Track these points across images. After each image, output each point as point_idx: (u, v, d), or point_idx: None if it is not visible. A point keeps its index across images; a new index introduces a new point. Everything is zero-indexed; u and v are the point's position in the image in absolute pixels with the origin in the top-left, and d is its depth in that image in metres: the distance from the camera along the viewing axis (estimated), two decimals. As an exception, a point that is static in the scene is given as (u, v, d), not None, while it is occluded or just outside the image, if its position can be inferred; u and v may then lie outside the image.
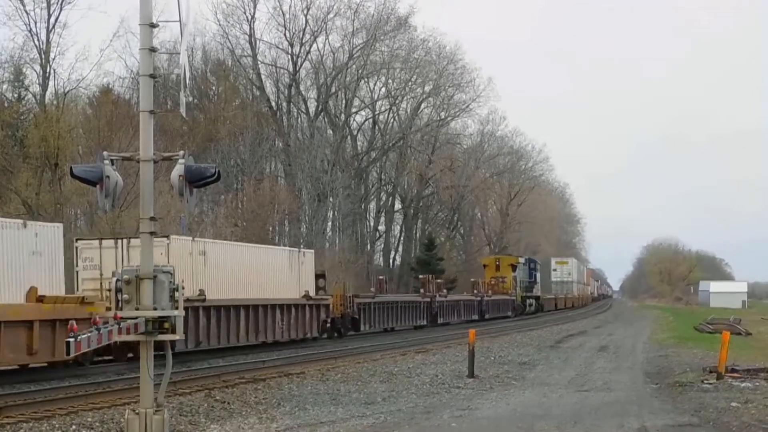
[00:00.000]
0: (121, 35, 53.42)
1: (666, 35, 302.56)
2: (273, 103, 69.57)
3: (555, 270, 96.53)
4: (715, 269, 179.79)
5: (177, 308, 9.66)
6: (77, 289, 25.35)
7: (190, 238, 28.56)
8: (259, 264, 31.24)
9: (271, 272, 31.85)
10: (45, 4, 45.86)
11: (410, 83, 76.55)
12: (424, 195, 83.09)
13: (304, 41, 68.35)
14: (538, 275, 77.75)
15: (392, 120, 78.58)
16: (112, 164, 9.76)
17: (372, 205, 79.58)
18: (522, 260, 72.91)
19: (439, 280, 54.60)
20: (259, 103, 69.06)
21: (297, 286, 33.66)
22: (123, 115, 47.68)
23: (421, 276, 54.14)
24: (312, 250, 38.13)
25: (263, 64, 69.12)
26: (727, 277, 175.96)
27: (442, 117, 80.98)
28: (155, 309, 9.60)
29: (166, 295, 9.64)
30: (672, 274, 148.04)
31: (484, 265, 70.50)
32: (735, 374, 19.94)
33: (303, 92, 70.82)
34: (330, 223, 70.93)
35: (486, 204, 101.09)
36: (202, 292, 26.29)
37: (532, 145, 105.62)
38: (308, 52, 69.17)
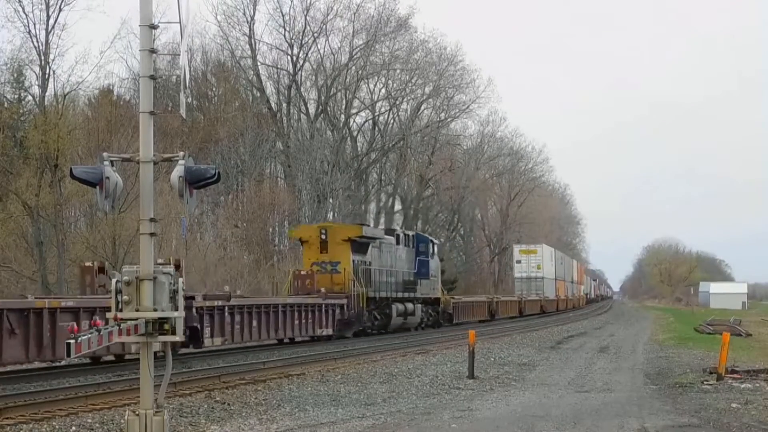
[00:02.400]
0: (123, 36, 53.51)
1: (667, 35, 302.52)
2: (273, 104, 69.62)
3: (519, 262, 75.69)
4: (716, 270, 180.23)
5: (177, 309, 9.66)
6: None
7: None
8: None
9: None
10: (44, 6, 45.83)
11: (410, 84, 76.59)
12: (424, 196, 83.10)
13: (303, 42, 68.44)
14: (432, 263, 45.16)
15: (392, 121, 78.64)
16: (112, 165, 9.76)
17: (372, 206, 79.61)
18: (380, 234, 40.73)
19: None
20: (259, 104, 69.13)
21: None
22: (123, 116, 47.70)
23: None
24: None
25: (263, 66, 69.27)
26: (727, 278, 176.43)
27: (442, 118, 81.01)
28: (155, 310, 9.60)
29: (166, 296, 9.64)
30: (672, 275, 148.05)
31: (302, 242, 38.74)
32: (735, 375, 19.95)
33: (303, 93, 70.85)
34: (330, 225, 70.88)
35: (486, 205, 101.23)
36: None
37: (532, 146, 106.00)
38: (308, 54, 69.26)
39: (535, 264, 74.25)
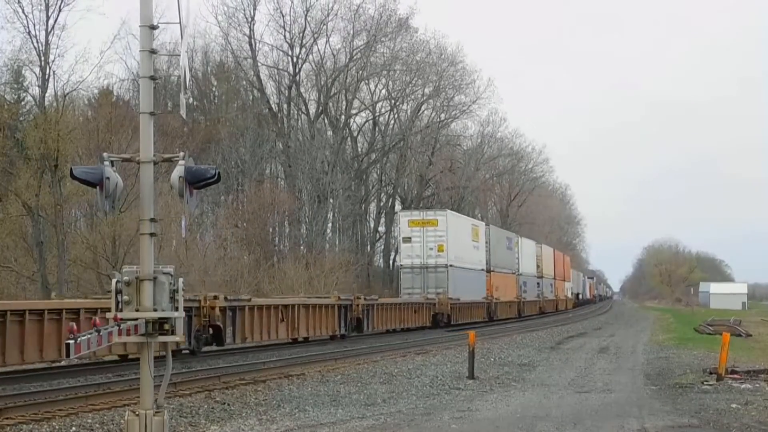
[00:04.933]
0: (122, 37, 53.55)
1: (667, 35, 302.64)
2: (273, 105, 69.58)
3: (408, 240, 46.23)
4: (715, 270, 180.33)
5: (177, 309, 9.65)
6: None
7: None
8: None
9: None
10: (43, 6, 45.82)
11: (411, 85, 76.55)
12: (424, 196, 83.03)
13: (304, 43, 68.41)
14: None
15: (392, 121, 78.59)
16: (112, 166, 9.76)
17: (372, 206, 79.55)
18: None
19: None
20: (260, 104, 69.09)
21: None
22: (123, 117, 47.69)
23: None
24: None
25: (264, 66, 69.24)
26: (727, 278, 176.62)
27: (443, 118, 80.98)
28: (155, 310, 9.59)
29: (166, 297, 9.64)
30: (672, 276, 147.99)
31: None
32: (735, 375, 19.94)
33: (303, 94, 70.81)
34: (330, 225, 70.92)
35: (486, 205, 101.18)
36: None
37: (532, 146, 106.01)
38: (309, 54, 69.24)
39: (434, 243, 45.49)
